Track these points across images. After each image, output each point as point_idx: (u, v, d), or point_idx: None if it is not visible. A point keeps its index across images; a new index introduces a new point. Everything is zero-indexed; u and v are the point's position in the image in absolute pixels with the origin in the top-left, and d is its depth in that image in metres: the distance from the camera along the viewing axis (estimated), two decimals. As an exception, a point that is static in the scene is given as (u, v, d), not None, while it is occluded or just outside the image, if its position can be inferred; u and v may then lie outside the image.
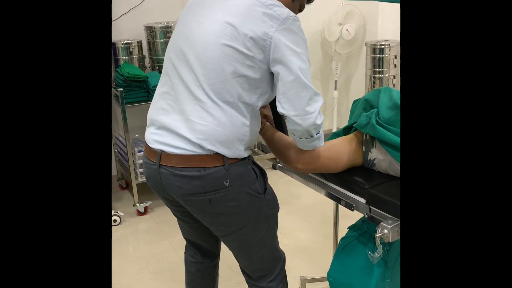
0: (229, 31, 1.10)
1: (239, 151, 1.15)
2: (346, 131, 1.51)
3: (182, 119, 1.14)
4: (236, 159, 1.15)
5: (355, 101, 1.57)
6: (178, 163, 1.13)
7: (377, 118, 1.35)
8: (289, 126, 1.18)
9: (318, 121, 1.15)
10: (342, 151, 1.37)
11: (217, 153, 1.12)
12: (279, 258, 1.35)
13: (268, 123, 1.38)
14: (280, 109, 1.15)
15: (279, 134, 1.37)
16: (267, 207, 1.24)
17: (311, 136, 1.19)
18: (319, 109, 1.15)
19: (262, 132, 1.36)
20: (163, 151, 1.15)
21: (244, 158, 1.18)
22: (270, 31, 1.09)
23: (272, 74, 1.16)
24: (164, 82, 1.21)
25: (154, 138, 1.18)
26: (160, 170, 1.16)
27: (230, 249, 1.31)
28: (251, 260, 1.30)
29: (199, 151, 1.12)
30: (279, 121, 1.42)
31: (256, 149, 3.47)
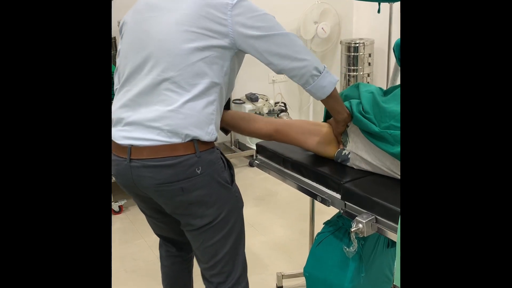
0: (189, 19, 1.13)
1: (212, 131, 1.18)
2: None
3: (149, 111, 1.14)
4: (206, 145, 1.17)
5: None
6: (150, 154, 1.13)
7: (361, 109, 1.36)
8: (299, 80, 1.21)
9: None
10: (312, 128, 1.46)
11: (189, 141, 1.14)
12: (242, 263, 1.32)
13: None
14: (277, 71, 1.20)
15: (234, 111, 1.47)
16: (234, 200, 1.26)
17: (320, 73, 1.21)
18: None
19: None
20: (132, 145, 1.15)
21: (213, 147, 1.20)
22: (226, 13, 1.12)
23: (236, 54, 1.19)
24: (124, 81, 1.22)
25: (122, 134, 1.18)
26: (131, 164, 1.16)
27: (194, 247, 1.30)
28: (214, 259, 1.27)
29: (171, 140, 1.13)
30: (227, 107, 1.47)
31: (233, 146, 3.47)
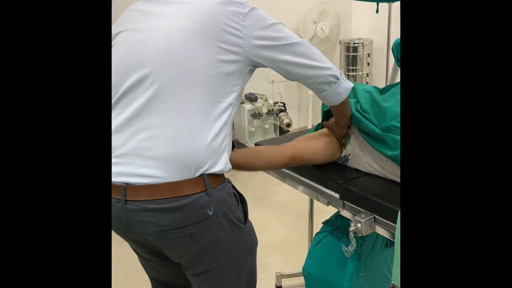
0: (202, 29, 0.99)
1: (226, 160, 1.03)
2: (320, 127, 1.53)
3: (147, 137, 0.96)
4: (218, 178, 1.00)
5: None
6: (151, 195, 0.94)
7: (359, 107, 1.35)
8: (315, 88, 1.14)
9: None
10: (320, 144, 1.40)
11: (198, 176, 0.97)
12: None
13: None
14: (292, 80, 1.12)
15: (243, 150, 1.32)
16: (248, 239, 1.09)
17: (337, 79, 1.14)
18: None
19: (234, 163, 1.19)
20: (128, 183, 0.95)
21: (224, 180, 1.04)
22: (240, 23, 1.01)
23: (249, 72, 1.09)
24: (114, 103, 1.03)
25: (113, 169, 0.98)
26: (127, 206, 0.96)
27: None
28: None
29: (176, 176, 0.95)
30: None
31: (232, 146, 3.47)
